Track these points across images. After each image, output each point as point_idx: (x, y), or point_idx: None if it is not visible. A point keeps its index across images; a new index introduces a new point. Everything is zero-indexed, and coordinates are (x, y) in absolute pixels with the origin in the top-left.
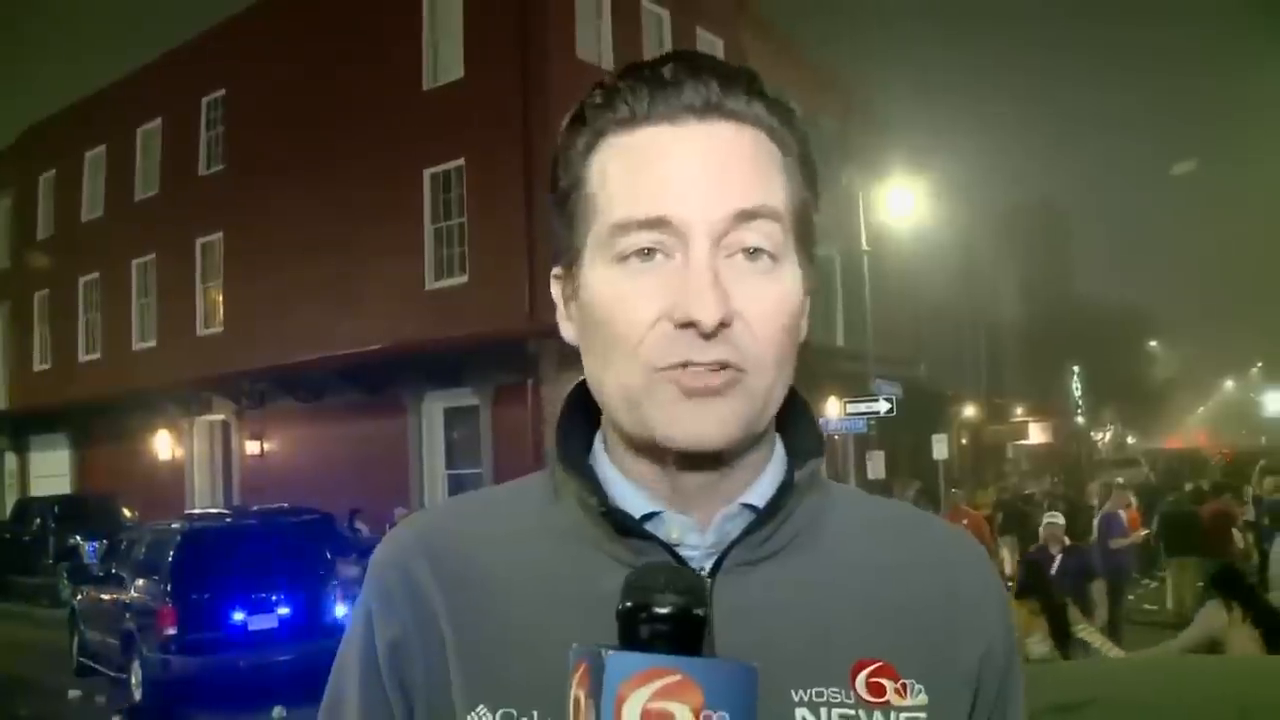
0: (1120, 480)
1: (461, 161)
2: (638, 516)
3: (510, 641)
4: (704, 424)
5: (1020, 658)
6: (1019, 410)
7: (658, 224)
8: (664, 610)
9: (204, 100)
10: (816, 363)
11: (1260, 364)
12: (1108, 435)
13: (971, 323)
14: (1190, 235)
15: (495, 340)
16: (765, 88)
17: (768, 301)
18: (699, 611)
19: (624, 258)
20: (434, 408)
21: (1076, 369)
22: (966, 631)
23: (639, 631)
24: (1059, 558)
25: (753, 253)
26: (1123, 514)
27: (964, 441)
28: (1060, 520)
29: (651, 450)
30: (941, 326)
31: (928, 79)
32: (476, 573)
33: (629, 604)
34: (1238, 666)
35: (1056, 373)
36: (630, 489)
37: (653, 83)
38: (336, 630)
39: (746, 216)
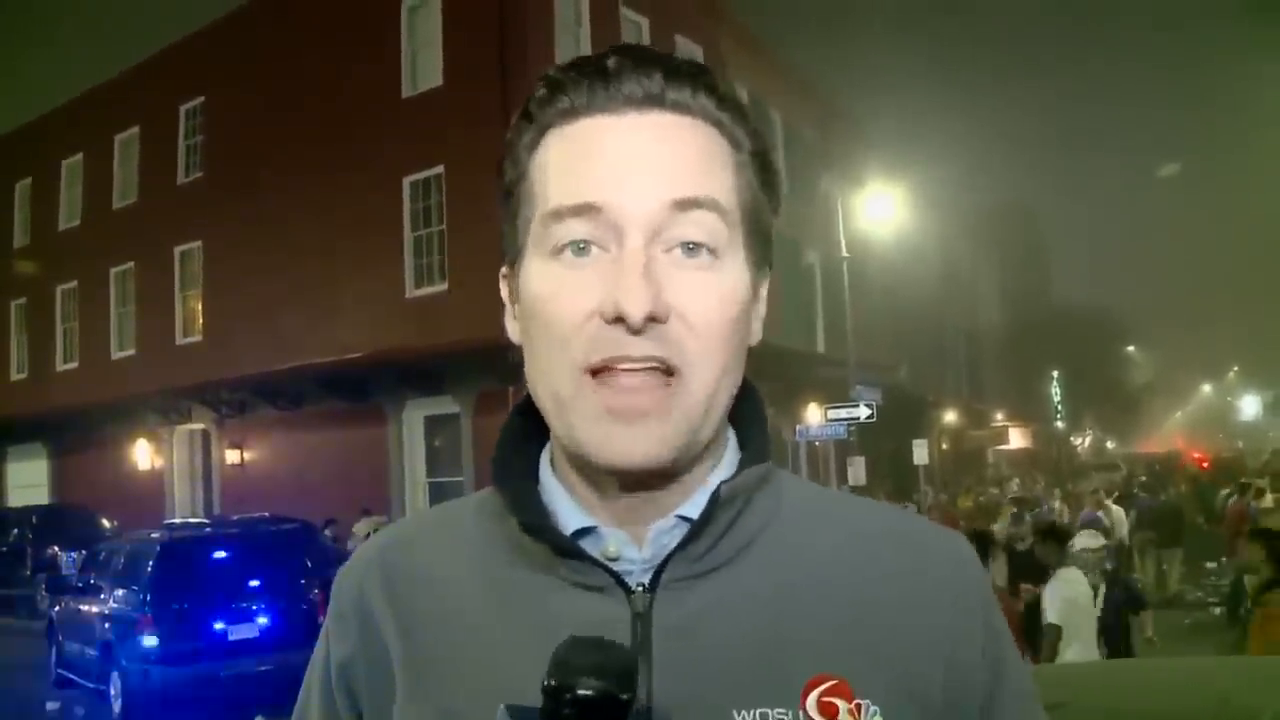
0: (1142, 496)
1: (441, 169)
2: (572, 530)
3: (456, 663)
4: (637, 444)
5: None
6: (999, 415)
7: (588, 211)
8: (586, 694)
9: (182, 108)
10: (797, 370)
11: (1236, 368)
12: (1087, 440)
13: (952, 329)
14: (1168, 242)
15: (476, 348)
16: (716, 82)
17: (707, 298)
18: (624, 696)
19: (559, 251)
20: (414, 416)
21: (1056, 374)
22: (938, 643)
23: (561, 710)
24: (1101, 589)
25: (692, 248)
26: (1102, 515)
27: (945, 447)
28: (1103, 541)
29: (587, 466)
30: (922, 332)
31: (908, 86)
32: (426, 591)
33: (552, 682)
34: (1212, 668)
35: (1036, 378)
36: (568, 502)
37: (594, 75)
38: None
39: (684, 206)
